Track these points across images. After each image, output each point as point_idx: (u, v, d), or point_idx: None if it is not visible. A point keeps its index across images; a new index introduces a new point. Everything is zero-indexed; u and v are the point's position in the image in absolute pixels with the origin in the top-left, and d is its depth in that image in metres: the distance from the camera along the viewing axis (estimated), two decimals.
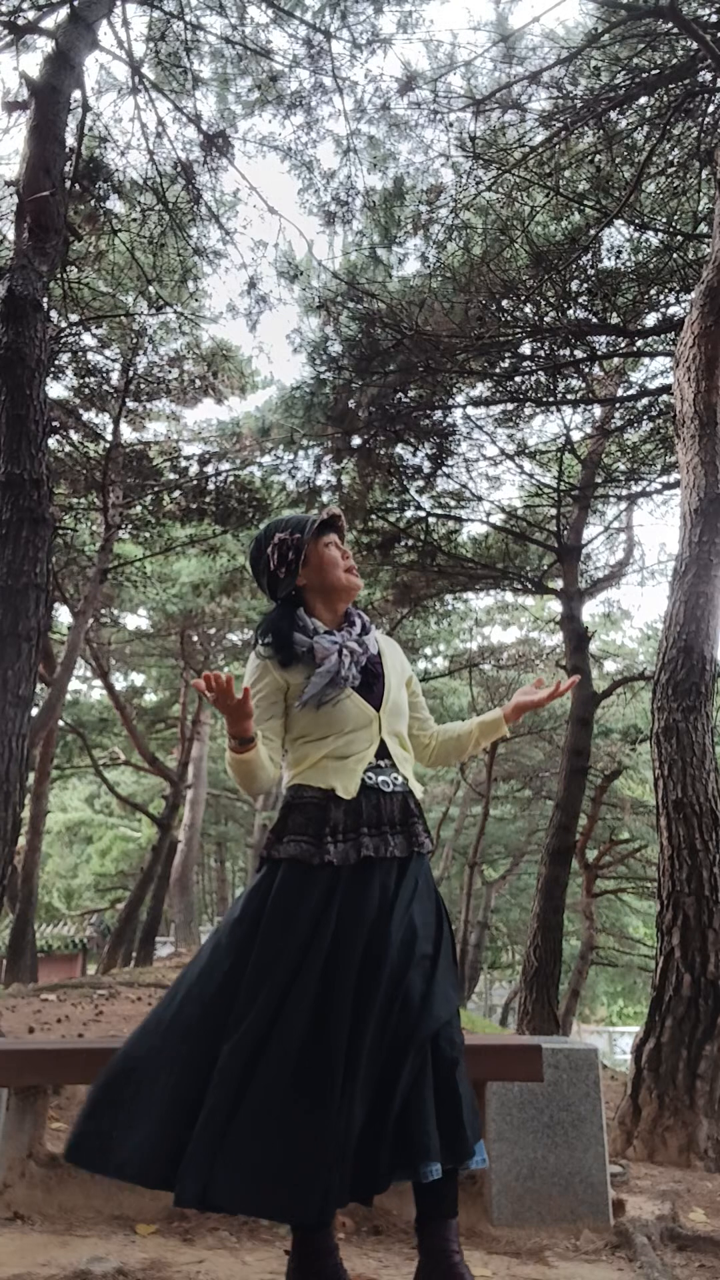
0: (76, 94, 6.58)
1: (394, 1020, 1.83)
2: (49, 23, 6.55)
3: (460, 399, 9.80)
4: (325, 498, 10.88)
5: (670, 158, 7.31)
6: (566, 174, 7.47)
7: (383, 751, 2.08)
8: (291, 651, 2.07)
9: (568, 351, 8.72)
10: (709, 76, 6.50)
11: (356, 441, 9.86)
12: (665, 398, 9.12)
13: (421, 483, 10.97)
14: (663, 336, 8.26)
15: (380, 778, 2.04)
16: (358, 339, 8.81)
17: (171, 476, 12.92)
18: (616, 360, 9.32)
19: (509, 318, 8.31)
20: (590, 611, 16.40)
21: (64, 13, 6.21)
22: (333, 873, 1.94)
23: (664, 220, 7.70)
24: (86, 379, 11.36)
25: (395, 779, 2.07)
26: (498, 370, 9.11)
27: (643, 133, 7.17)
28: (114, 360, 11.46)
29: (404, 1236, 2.38)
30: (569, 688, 2.25)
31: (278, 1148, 1.73)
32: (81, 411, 11.83)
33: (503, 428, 10.51)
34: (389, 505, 11.13)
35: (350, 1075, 1.79)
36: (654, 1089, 3.56)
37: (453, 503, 11.67)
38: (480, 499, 11.37)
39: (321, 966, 1.86)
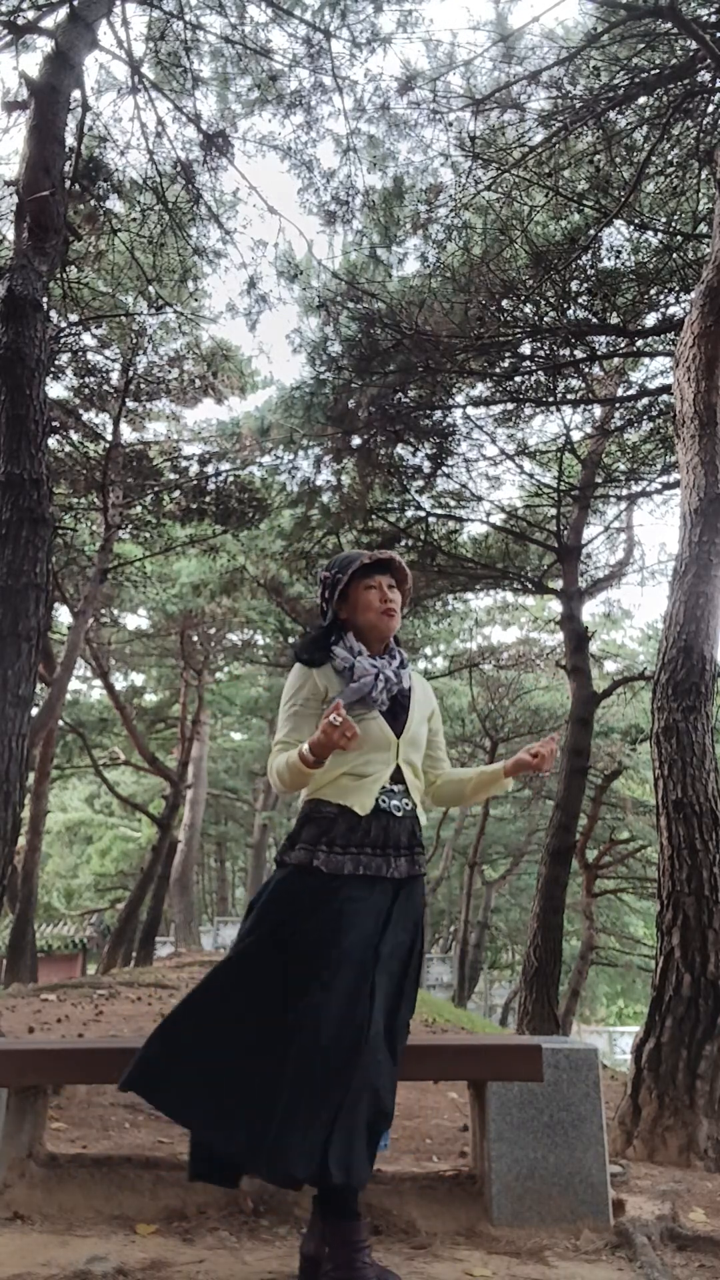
0: (76, 94, 6.57)
1: (370, 1027, 2.01)
2: (49, 22, 6.54)
3: (460, 399, 9.80)
4: (325, 498, 10.88)
5: (670, 158, 7.31)
6: (566, 174, 7.47)
7: (398, 777, 2.24)
8: (326, 656, 2.28)
9: (568, 351, 8.72)
10: (709, 76, 6.50)
11: (356, 441, 9.86)
12: (665, 398, 9.12)
13: (421, 483, 10.98)
14: (663, 336, 8.26)
15: (393, 801, 2.21)
16: (357, 339, 8.81)
17: (171, 476, 12.93)
18: (616, 360, 9.32)
19: (509, 318, 8.30)
20: (590, 611, 16.43)
21: (64, 12, 6.21)
22: (326, 881, 2.10)
23: (664, 220, 7.70)
24: (86, 379, 11.37)
25: (406, 804, 2.23)
26: (498, 370, 9.11)
27: (642, 133, 7.16)
28: (114, 360, 11.47)
29: (404, 1236, 2.38)
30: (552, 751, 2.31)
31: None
32: (81, 411, 11.83)
33: (503, 428, 10.51)
34: (389, 505, 11.13)
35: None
36: (654, 1089, 3.55)
37: (453, 503, 11.67)
38: (480, 499, 11.38)
39: (305, 969, 2.01)
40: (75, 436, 11.96)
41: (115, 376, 11.64)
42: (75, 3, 6.06)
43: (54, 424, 10.35)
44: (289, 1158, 1.87)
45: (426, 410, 9.74)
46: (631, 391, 9.81)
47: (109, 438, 11.99)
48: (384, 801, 2.20)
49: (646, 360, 9.37)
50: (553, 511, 11.04)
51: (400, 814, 2.21)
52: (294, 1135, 1.89)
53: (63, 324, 10.03)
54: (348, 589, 2.35)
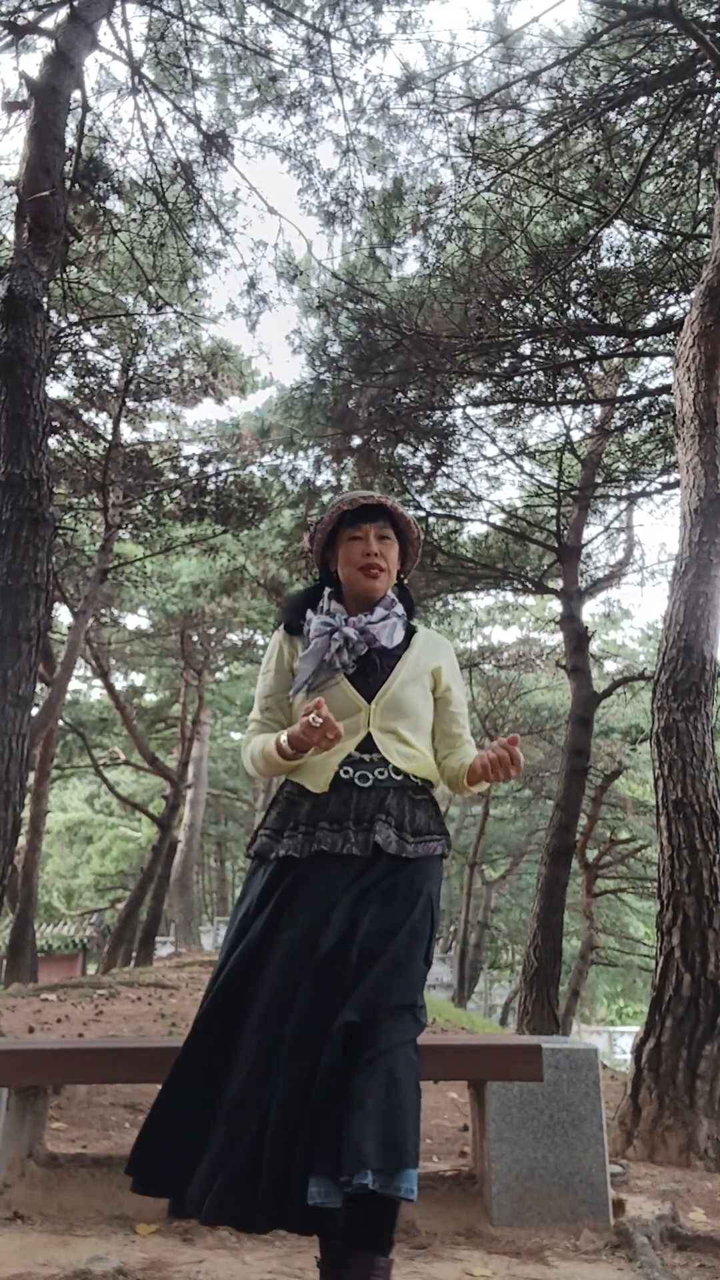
0: (76, 94, 6.58)
1: (316, 1016, 1.71)
2: (49, 23, 6.55)
3: (460, 399, 9.80)
4: (325, 498, 10.88)
5: (670, 158, 7.31)
6: (566, 174, 7.47)
7: (370, 746, 1.96)
8: (296, 621, 2.07)
9: (568, 351, 8.72)
10: (708, 77, 6.50)
11: (356, 442, 9.86)
12: (665, 398, 9.12)
13: (421, 483, 10.98)
14: (663, 336, 8.26)
15: (358, 772, 1.94)
16: (357, 339, 8.81)
17: (171, 476, 12.94)
18: (616, 360, 9.32)
19: (509, 318, 8.31)
20: (590, 611, 16.44)
21: (64, 13, 6.21)
22: (285, 866, 1.90)
23: (663, 220, 7.70)
24: (86, 379, 11.37)
25: (379, 773, 1.95)
26: (497, 370, 9.11)
27: (642, 133, 7.16)
28: (114, 360, 11.47)
29: (403, 1236, 2.38)
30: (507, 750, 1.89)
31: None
32: (81, 411, 11.84)
33: (503, 428, 10.52)
34: None
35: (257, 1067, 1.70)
36: (654, 1089, 3.55)
37: (453, 503, 11.68)
38: (480, 499, 11.39)
39: (249, 958, 1.83)
40: (75, 436, 11.97)
41: (115, 376, 11.64)
42: (75, 3, 6.07)
43: (54, 424, 10.35)
44: (219, 1192, 1.61)
45: (426, 410, 9.74)
46: (631, 391, 9.81)
47: (109, 438, 12.00)
48: (346, 772, 1.93)
49: (646, 360, 9.38)
50: (553, 511, 11.05)
51: (367, 783, 1.92)
52: (204, 1163, 1.65)
53: (63, 324, 10.03)
54: (335, 538, 2.07)
